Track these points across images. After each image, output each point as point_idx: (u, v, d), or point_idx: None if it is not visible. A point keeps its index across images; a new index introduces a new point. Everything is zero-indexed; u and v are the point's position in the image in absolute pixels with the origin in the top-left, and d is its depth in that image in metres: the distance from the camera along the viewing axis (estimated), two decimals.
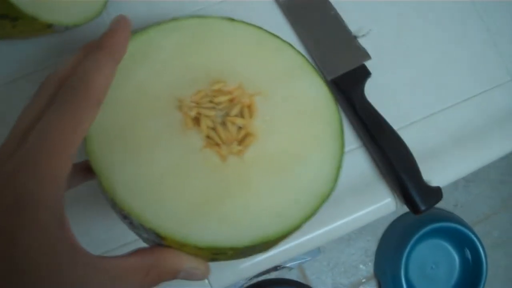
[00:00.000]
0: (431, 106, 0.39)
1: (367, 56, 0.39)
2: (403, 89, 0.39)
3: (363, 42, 0.39)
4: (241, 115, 0.28)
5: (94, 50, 0.24)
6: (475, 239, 0.93)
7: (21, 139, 0.22)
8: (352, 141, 0.38)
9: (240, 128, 0.28)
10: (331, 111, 0.31)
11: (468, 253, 0.96)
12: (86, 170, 0.27)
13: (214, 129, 0.28)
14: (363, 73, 0.38)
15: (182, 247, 0.24)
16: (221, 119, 0.28)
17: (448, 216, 0.98)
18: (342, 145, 0.30)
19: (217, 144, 0.27)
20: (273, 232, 0.25)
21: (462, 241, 0.94)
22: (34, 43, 0.40)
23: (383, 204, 0.37)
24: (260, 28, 0.32)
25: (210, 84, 0.29)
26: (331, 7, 0.40)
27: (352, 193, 0.37)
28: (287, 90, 0.30)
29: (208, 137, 0.27)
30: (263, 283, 0.87)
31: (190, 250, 0.25)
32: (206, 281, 0.34)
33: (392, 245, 0.96)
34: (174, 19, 0.31)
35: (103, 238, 0.35)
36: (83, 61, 0.24)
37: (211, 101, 0.28)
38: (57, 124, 0.22)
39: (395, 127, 0.37)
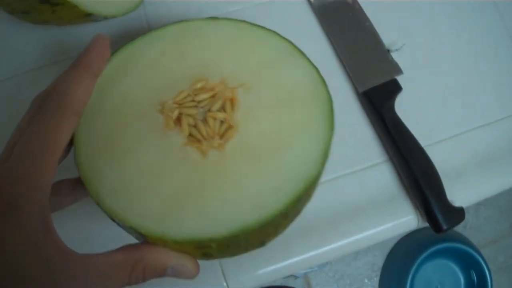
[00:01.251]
0: (458, 125, 0.39)
1: (399, 70, 0.39)
2: (432, 106, 0.39)
3: (395, 56, 0.39)
4: (223, 109, 0.28)
5: (73, 66, 0.26)
6: (482, 261, 0.92)
7: (11, 151, 0.24)
8: (378, 154, 0.38)
9: (222, 122, 0.28)
10: (319, 93, 0.29)
11: (474, 275, 0.95)
12: (79, 186, 0.28)
13: (195, 126, 0.28)
14: (394, 88, 0.38)
15: (165, 243, 0.25)
16: (203, 116, 0.28)
17: (456, 237, 0.98)
18: (331, 127, 0.28)
19: (199, 141, 0.27)
20: (252, 221, 0.25)
21: (469, 262, 0.93)
22: (68, 30, 0.40)
23: (405, 220, 0.36)
24: (243, 21, 0.32)
25: (193, 83, 0.29)
26: (366, 18, 0.40)
27: (375, 206, 0.36)
28: (271, 78, 0.30)
29: (190, 135, 0.28)
30: None
31: (172, 246, 0.25)
32: (224, 283, 0.34)
33: (399, 262, 0.95)
34: (161, 27, 0.31)
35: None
36: (62, 76, 0.26)
37: (193, 100, 0.29)
38: (38, 134, 0.23)
39: (422, 143, 0.37)
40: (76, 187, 0.28)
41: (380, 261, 1.00)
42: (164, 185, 0.26)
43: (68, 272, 0.22)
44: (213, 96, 0.29)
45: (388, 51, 0.39)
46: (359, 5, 0.40)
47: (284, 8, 0.41)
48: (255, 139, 0.27)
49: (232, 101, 0.29)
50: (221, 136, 0.28)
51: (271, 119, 0.28)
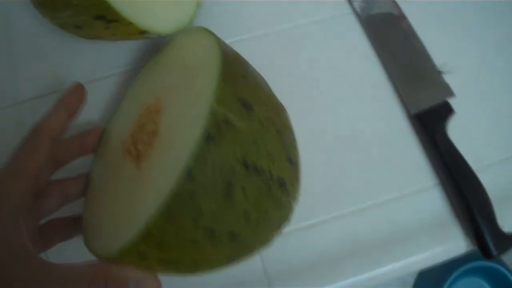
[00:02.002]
0: (510, 149, 0.39)
1: (451, 93, 0.38)
2: (483, 129, 0.39)
3: (446, 77, 0.39)
4: (153, 122, 0.30)
5: (52, 106, 0.32)
6: None
7: None
8: (429, 177, 0.37)
9: (153, 132, 0.29)
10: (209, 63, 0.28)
11: None
12: (70, 226, 0.32)
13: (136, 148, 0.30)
14: (446, 110, 0.38)
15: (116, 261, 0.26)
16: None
17: None
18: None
19: (137, 157, 0.29)
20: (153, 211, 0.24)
21: (502, 282, 0.92)
22: (120, 45, 0.40)
23: (455, 245, 0.36)
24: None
25: (140, 111, 0.32)
26: (417, 38, 0.40)
27: (425, 230, 0.36)
28: (182, 69, 0.31)
29: (137, 156, 0.29)
30: None
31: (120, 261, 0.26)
32: None
33: (431, 280, 0.92)
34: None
35: None
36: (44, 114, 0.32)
37: (141, 126, 0.31)
38: (18, 153, 0.29)
39: (473, 166, 0.37)
40: (70, 225, 0.32)
41: (411, 278, 0.98)
42: (108, 204, 0.29)
43: (29, 274, 0.24)
44: (148, 114, 0.31)
45: (440, 72, 0.39)
46: (409, 24, 0.40)
47: (335, 26, 0.41)
48: (166, 134, 0.28)
49: (157, 111, 0.30)
50: (149, 146, 0.29)
51: (178, 109, 0.28)
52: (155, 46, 0.40)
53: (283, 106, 0.31)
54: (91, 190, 0.33)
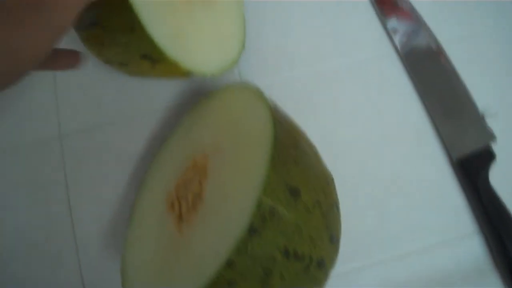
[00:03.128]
0: None
1: (493, 137, 0.38)
2: None
3: (489, 121, 0.38)
4: (199, 182, 0.30)
5: None
6: None
7: None
8: (469, 223, 0.37)
9: (195, 195, 0.29)
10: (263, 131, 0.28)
11: None
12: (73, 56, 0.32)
13: (180, 205, 0.30)
14: (488, 156, 0.37)
15: None
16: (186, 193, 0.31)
17: None
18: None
19: (180, 216, 0.29)
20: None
21: None
22: (164, 83, 0.40)
23: None
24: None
25: (186, 164, 0.32)
26: (459, 80, 0.39)
27: (463, 278, 0.36)
28: (231, 129, 0.31)
29: (178, 215, 0.30)
30: None
31: None
32: None
33: None
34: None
35: None
36: None
37: (184, 181, 0.31)
38: None
39: None
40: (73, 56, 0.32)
41: None
42: (152, 258, 0.30)
43: None
44: (194, 170, 0.31)
45: (483, 116, 0.38)
46: (452, 66, 0.40)
47: (375, 64, 0.41)
48: (214, 203, 0.28)
49: (204, 171, 0.30)
50: (192, 208, 0.29)
51: (227, 174, 0.28)
52: (199, 86, 0.40)
53: (330, 177, 0.31)
54: (133, 230, 0.33)
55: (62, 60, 0.33)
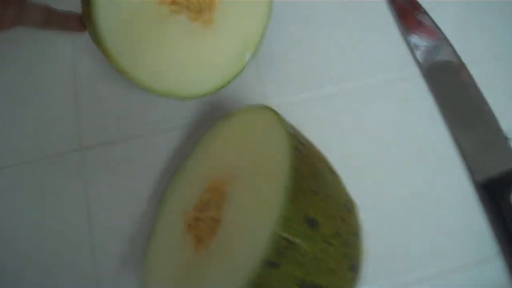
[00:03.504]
0: None
1: None
2: None
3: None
4: (216, 206, 0.30)
5: None
6: None
7: None
8: (491, 246, 0.37)
9: (213, 219, 0.29)
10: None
11: None
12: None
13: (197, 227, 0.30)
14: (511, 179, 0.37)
15: None
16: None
17: None
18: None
19: (199, 239, 0.29)
20: None
21: None
22: (171, 101, 0.40)
23: None
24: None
25: (205, 186, 0.32)
26: (484, 102, 0.39)
27: None
28: (249, 153, 0.30)
29: (196, 236, 0.30)
30: None
31: None
32: None
33: None
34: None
35: None
36: None
37: (204, 203, 0.31)
38: None
39: None
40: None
41: None
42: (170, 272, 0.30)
43: None
44: (212, 193, 0.31)
45: (507, 138, 0.38)
46: (477, 87, 0.39)
47: (398, 83, 0.40)
48: (232, 230, 0.28)
49: (222, 196, 0.30)
50: (211, 232, 0.29)
51: (245, 203, 0.28)
52: (221, 103, 0.40)
53: (352, 203, 0.30)
54: (153, 247, 0.33)
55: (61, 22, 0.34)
